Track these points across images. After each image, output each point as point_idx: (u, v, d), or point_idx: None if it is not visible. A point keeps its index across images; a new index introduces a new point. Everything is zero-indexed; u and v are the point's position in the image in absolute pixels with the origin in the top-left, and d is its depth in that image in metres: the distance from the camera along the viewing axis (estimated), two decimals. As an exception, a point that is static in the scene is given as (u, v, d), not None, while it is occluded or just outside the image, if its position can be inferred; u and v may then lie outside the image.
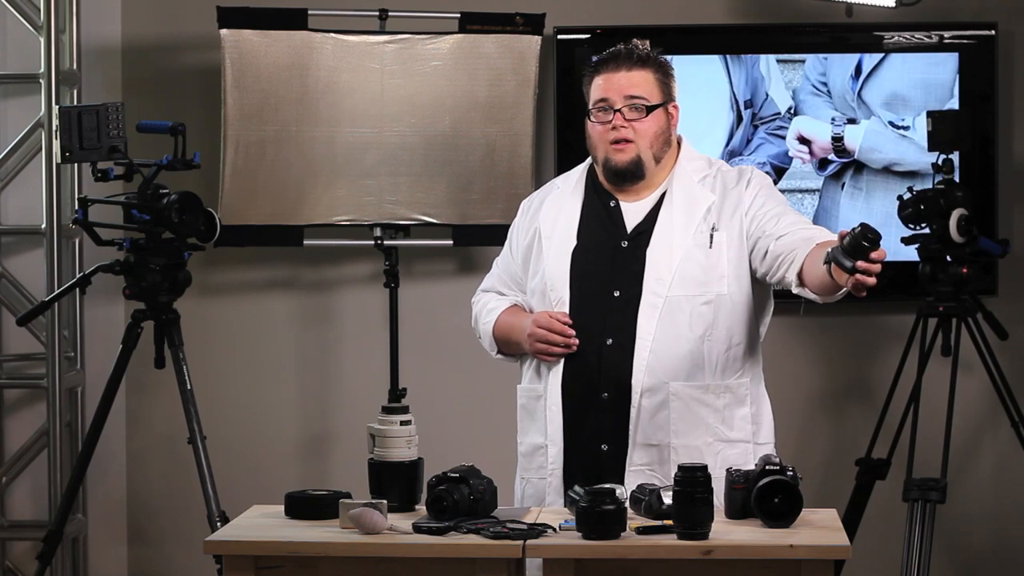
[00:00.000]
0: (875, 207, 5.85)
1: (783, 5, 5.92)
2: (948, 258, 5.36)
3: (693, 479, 3.42)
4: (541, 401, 3.98)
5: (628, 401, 3.87)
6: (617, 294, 3.91)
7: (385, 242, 5.69)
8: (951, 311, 5.35)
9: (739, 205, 3.95)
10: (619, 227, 3.97)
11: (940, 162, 5.40)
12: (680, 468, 3.46)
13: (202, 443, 5.04)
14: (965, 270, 5.33)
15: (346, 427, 5.97)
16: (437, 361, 5.97)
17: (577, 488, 3.62)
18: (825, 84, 5.88)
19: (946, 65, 5.83)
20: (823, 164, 5.91)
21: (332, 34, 5.64)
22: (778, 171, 5.89)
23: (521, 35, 5.70)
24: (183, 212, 5.00)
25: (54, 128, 5.07)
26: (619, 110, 3.92)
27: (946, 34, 5.84)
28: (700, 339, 3.89)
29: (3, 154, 5.84)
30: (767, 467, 3.59)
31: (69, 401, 5.84)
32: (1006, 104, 5.87)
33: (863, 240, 3.43)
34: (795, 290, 3.79)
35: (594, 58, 4.01)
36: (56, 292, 5.41)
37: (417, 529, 3.51)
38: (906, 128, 5.84)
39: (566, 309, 3.93)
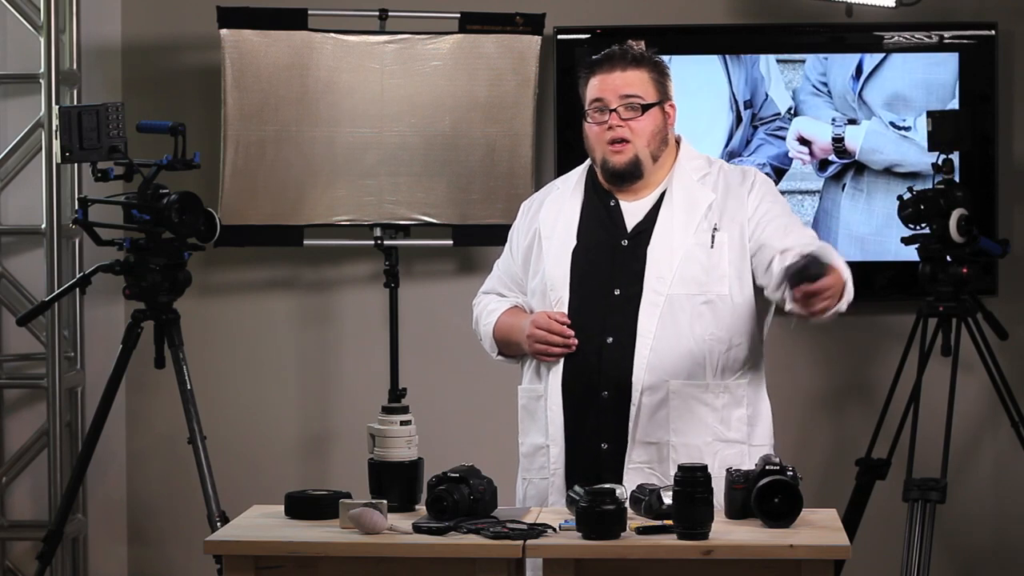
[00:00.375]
0: (876, 208, 5.84)
1: (783, 5, 5.92)
2: (948, 258, 5.36)
3: (693, 479, 3.42)
4: (541, 401, 3.98)
5: (628, 399, 3.88)
6: (617, 293, 3.92)
7: (385, 242, 5.69)
8: (951, 311, 5.35)
9: (742, 207, 3.95)
10: (619, 226, 3.97)
11: (940, 162, 5.40)
12: (680, 468, 3.46)
13: (202, 443, 5.04)
14: (965, 270, 5.33)
15: (346, 427, 5.97)
16: (437, 361, 5.97)
17: (577, 488, 3.62)
18: (825, 84, 5.88)
19: (947, 65, 5.83)
20: (823, 165, 5.90)
21: (332, 34, 5.64)
22: (778, 172, 5.88)
23: (521, 35, 5.70)
24: (183, 212, 5.00)
25: (54, 128, 5.08)
26: (615, 110, 3.92)
27: (946, 34, 5.84)
28: (700, 338, 3.90)
29: (3, 154, 5.84)
30: (767, 467, 3.59)
31: (69, 401, 5.84)
32: (1006, 104, 5.87)
33: (804, 274, 3.56)
34: (788, 307, 3.77)
35: (588, 59, 4.01)
36: (56, 292, 5.41)
37: (417, 529, 3.51)
38: (907, 129, 5.83)
39: (565, 309, 3.93)
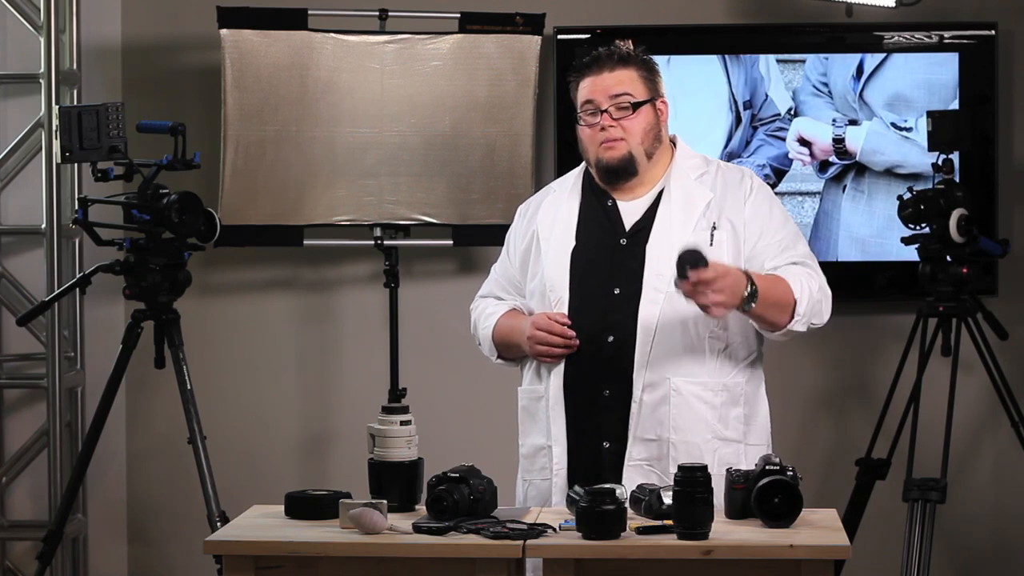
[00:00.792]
0: (877, 210, 5.84)
1: (783, 5, 5.92)
2: (948, 258, 5.36)
3: (693, 479, 3.43)
4: (542, 402, 3.98)
5: (629, 396, 3.88)
6: (617, 292, 3.92)
7: (385, 242, 5.69)
8: (951, 311, 5.35)
9: (739, 209, 3.96)
10: (617, 225, 3.98)
11: (940, 162, 5.40)
12: (680, 468, 3.47)
13: (202, 443, 5.04)
14: (965, 270, 5.33)
15: (346, 427, 5.97)
16: (437, 361, 5.98)
17: (577, 488, 3.62)
18: (826, 84, 5.88)
19: (949, 65, 5.82)
20: (824, 166, 5.89)
21: (332, 34, 5.64)
22: (778, 173, 5.87)
23: (521, 35, 5.70)
24: (183, 212, 5.00)
25: (54, 128, 5.08)
26: (606, 110, 3.94)
27: (946, 34, 5.84)
28: (700, 336, 3.90)
29: (3, 154, 5.84)
30: (767, 467, 3.59)
31: (69, 401, 5.84)
32: (1006, 104, 5.87)
33: (681, 266, 3.68)
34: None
35: (577, 63, 4.02)
36: (56, 292, 5.41)
37: (417, 529, 3.51)
38: (908, 129, 5.82)
39: (565, 309, 3.94)
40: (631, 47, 4.01)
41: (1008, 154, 5.89)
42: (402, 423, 3.76)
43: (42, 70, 5.66)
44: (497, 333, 4.07)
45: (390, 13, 5.69)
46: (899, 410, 5.42)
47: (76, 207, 5.14)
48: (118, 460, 6.05)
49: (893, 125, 5.84)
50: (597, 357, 3.91)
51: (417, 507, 3.74)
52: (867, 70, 5.85)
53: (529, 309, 4.05)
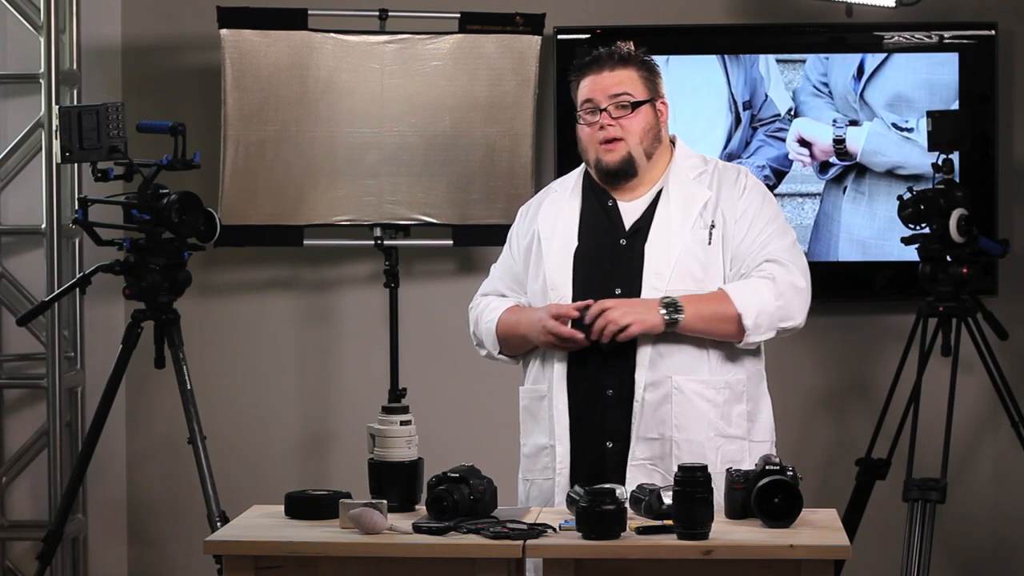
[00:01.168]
0: (878, 212, 5.83)
1: (783, 5, 5.92)
2: (948, 258, 5.36)
3: (693, 479, 3.43)
4: (544, 402, 3.98)
5: (631, 396, 3.88)
6: (618, 292, 3.92)
7: (385, 242, 5.69)
8: (951, 311, 5.35)
9: (732, 208, 3.97)
10: (617, 225, 3.98)
11: (940, 162, 5.40)
12: (680, 468, 3.47)
13: (202, 443, 5.04)
14: (965, 270, 5.33)
15: (346, 427, 5.97)
16: (437, 361, 5.98)
17: (577, 488, 3.62)
18: (826, 85, 5.87)
19: (951, 65, 5.82)
20: (824, 167, 5.89)
21: (332, 34, 5.64)
22: (778, 174, 5.87)
23: (521, 35, 5.70)
24: (183, 212, 5.00)
25: (54, 128, 5.07)
26: (605, 109, 3.94)
27: (946, 34, 5.84)
28: None
29: (3, 154, 5.84)
30: (767, 467, 3.59)
31: (69, 401, 5.84)
32: (1006, 104, 5.87)
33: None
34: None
35: (577, 62, 4.03)
36: (56, 292, 5.41)
37: (417, 529, 3.51)
38: (910, 130, 5.82)
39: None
40: (632, 48, 4.01)
41: (1008, 154, 5.89)
42: (402, 423, 3.76)
43: (42, 70, 5.66)
44: (501, 325, 4.05)
45: (390, 13, 5.69)
46: (899, 410, 5.42)
47: (76, 207, 5.13)
48: (118, 460, 6.05)
49: (894, 126, 5.84)
50: (600, 357, 3.91)
51: (417, 507, 3.74)
52: (868, 70, 5.85)
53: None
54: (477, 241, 5.76)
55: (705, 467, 3.46)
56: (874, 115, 5.84)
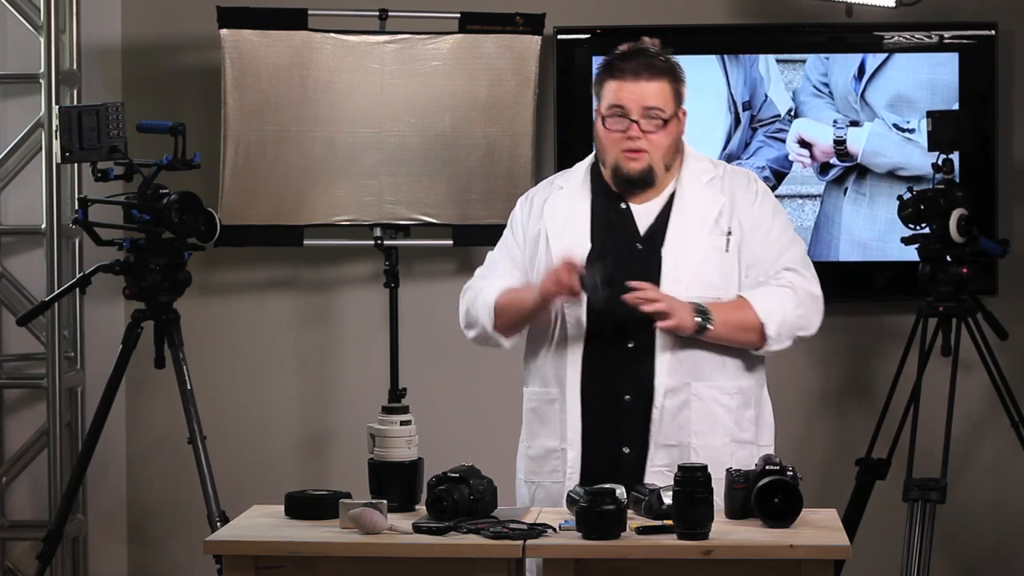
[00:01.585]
0: (879, 213, 5.82)
1: (783, 5, 5.92)
2: (948, 258, 5.35)
3: (693, 479, 3.43)
4: (556, 405, 3.95)
5: (650, 403, 3.88)
6: None
7: (385, 242, 5.69)
8: (951, 311, 5.35)
9: (747, 216, 3.96)
10: (632, 229, 3.96)
11: (940, 162, 5.39)
12: (680, 468, 3.47)
13: (202, 443, 5.04)
14: (965, 270, 5.33)
15: (346, 427, 5.97)
16: (437, 361, 5.97)
17: (577, 488, 3.62)
18: (827, 85, 5.86)
19: (951, 66, 5.81)
20: (825, 168, 5.88)
21: (332, 34, 5.64)
22: (778, 176, 5.86)
23: (521, 35, 5.70)
24: (183, 212, 5.00)
25: (54, 128, 5.08)
26: (636, 121, 3.90)
27: (946, 34, 5.84)
28: None
29: (3, 154, 5.84)
30: (767, 467, 3.59)
31: (69, 401, 5.84)
32: (1006, 104, 5.87)
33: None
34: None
35: (610, 57, 3.96)
36: (56, 292, 5.41)
37: (417, 529, 3.51)
38: (911, 131, 5.81)
39: (584, 313, 3.89)
40: (659, 46, 3.96)
41: (1008, 154, 5.89)
42: (402, 423, 3.76)
43: (42, 70, 5.66)
44: (501, 297, 3.96)
45: (390, 13, 5.69)
46: (899, 410, 5.42)
47: (76, 207, 5.14)
48: (118, 460, 6.05)
49: (895, 126, 5.83)
50: (618, 363, 3.89)
51: (417, 507, 3.74)
52: (868, 70, 5.84)
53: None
54: (477, 241, 5.75)
55: (705, 467, 3.46)
56: (875, 116, 5.83)
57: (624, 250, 3.95)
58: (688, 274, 3.89)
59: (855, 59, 5.85)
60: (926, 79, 5.82)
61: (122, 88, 5.98)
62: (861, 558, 4.49)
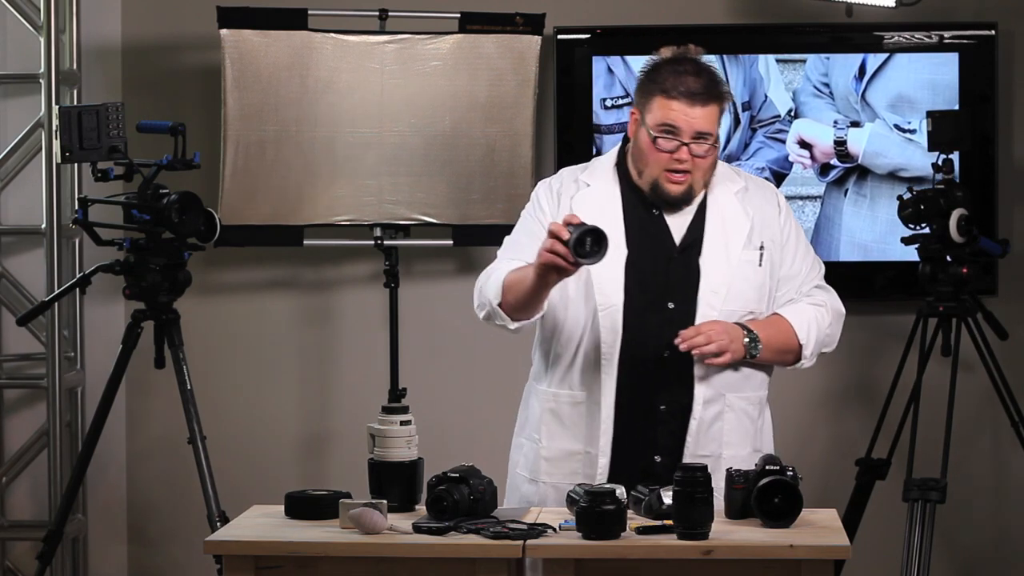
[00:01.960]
0: (880, 214, 5.82)
1: (783, 5, 5.92)
2: (948, 258, 5.35)
3: (693, 479, 3.43)
4: (582, 408, 3.92)
5: (686, 413, 3.88)
6: (672, 306, 3.89)
7: (385, 242, 5.69)
8: (951, 311, 5.35)
9: (775, 232, 3.98)
10: (667, 238, 3.94)
11: (940, 162, 5.39)
12: (680, 468, 3.47)
13: (202, 443, 5.05)
14: (965, 270, 5.33)
15: (346, 427, 5.97)
16: (437, 361, 5.97)
17: (577, 488, 3.62)
18: (827, 85, 5.86)
19: (952, 66, 5.81)
20: (825, 169, 5.88)
21: (332, 34, 5.64)
22: (778, 177, 5.85)
23: (521, 35, 5.70)
24: (183, 212, 5.00)
25: (54, 128, 5.08)
26: (687, 144, 3.86)
27: (946, 34, 5.84)
28: None
29: (3, 154, 5.84)
30: (767, 467, 3.59)
31: (69, 401, 5.84)
32: (1006, 104, 5.87)
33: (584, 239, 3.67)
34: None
35: (659, 68, 3.89)
36: (56, 292, 5.41)
37: (417, 529, 3.51)
38: (912, 132, 5.80)
39: (620, 318, 3.86)
40: (702, 54, 3.92)
41: (1008, 154, 5.89)
42: (402, 423, 3.76)
43: (42, 70, 5.66)
44: (510, 275, 3.88)
45: (390, 13, 5.69)
46: (899, 410, 5.42)
47: (76, 207, 5.14)
48: (118, 460, 6.05)
49: (896, 127, 5.83)
50: (654, 371, 3.88)
51: (417, 507, 3.74)
52: (869, 70, 5.83)
53: (565, 305, 3.94)
54: (477, 241, 5.75)
55: (705, 467, 3.46)
56: (876, 116, 5.82)
57: (661, 259, 3.93)
58: (725, 287, 3.89)
59: (855, 59, 5.84)
60: (926, 79, 5.82)
61: (122, 88, 5.98)
62: (861, 558, 4.49)
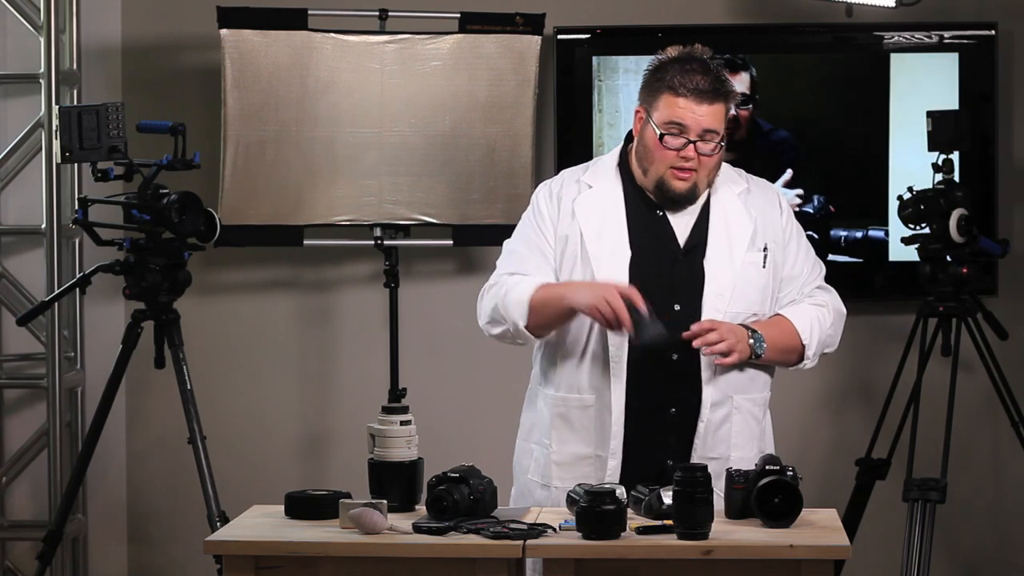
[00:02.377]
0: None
1: (783, 5, 5.92)
2: (948, 258, 5.35)
3: (693, 479, 3.43)
4: (591, 411, 3.91)
5: (694, 415, 3.87)
6: (678, 308, 3.88)
7: (385, 242, 5.69)
8: (951, 311, 5.35)
9: (778, 234, 3.98)
10: (671, 239, 3.93)
11: (940, 162, 5.39)
12: (680, 468, 3.47)
13: (202, 443, 5.05)
14: (965, 270, 5.33)
15: (346, 427, 5.97)
16: (437, 361, 5.98)
17: (577, 488, 3.62)
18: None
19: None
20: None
21: (332, 34, 5.64)
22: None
23: (521, 35, 5.70)
24: (183, 212, 5.00)
25: (54, 128, 5.08)
26: (693, 142, 3.86)
27: (946, 34, 5.84)
28: None
29: (3, 154, 5.84)
30: (767, 467, 3.59)
31: (69, 401, 5.84)
32: (1006, 104, 5.87)
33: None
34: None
35: (665, 66, 3.89)
36: (56, 292, 5.41)
37: (417, 529, 3.51)
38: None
39: (626, 320, 3.83)
40: (711, 55, 3.91)
41: (1008, 154, 5.89)
42: (402, 423, 3.75)
43: (42, 70, 5.66)
44: (537, 294, 3.87)
45: (390, 13, 5.69)
46: (899, 410, 5.42)
47: (76, 207, 5.14)
48: (118, 460, 6.05)
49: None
50: (662, 375, 3.87)
51: (417, 507, 3.74)
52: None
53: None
54: (477, 241, 5.75)
55: (705, 467, 3.46)
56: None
57: (666, 260, 3.92)
58: (730, 288, 3.89)
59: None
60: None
61: (122, 88, 5.98)
62: (861, 558, 4.49)
